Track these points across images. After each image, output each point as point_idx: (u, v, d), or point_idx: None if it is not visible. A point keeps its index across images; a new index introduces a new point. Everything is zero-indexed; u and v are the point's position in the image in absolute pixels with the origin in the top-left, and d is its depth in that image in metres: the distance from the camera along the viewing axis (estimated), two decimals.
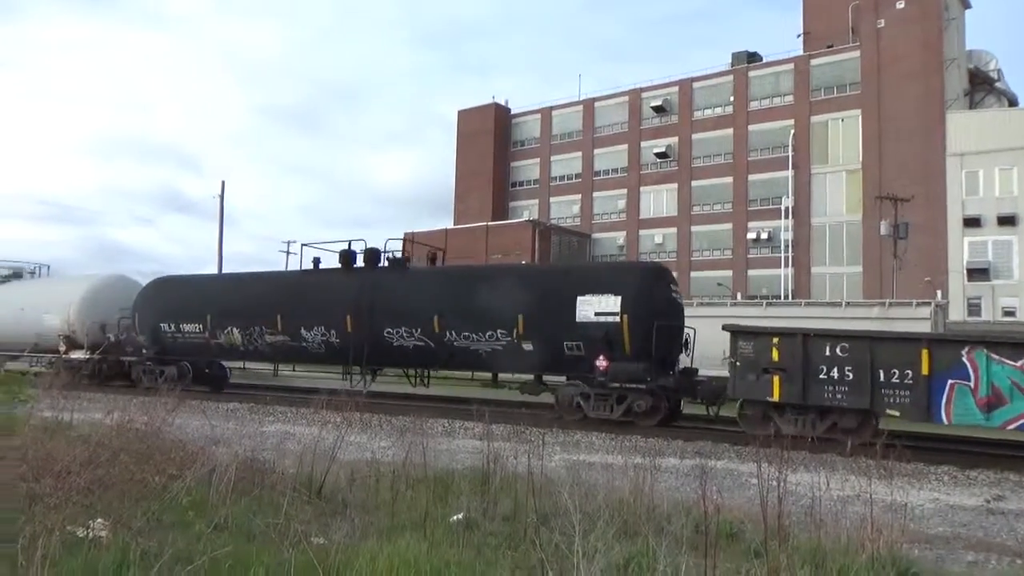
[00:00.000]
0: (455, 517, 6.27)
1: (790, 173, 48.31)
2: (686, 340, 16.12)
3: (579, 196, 57.97)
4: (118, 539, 4.87)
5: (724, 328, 13.98)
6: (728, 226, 51.18)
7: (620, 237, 55.36)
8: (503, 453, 8.16)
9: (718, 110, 52.69)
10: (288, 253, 61.62)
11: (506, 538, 5.79)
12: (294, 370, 22.48)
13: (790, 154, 48.47)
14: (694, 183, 52.95)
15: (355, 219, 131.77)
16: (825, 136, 48.32)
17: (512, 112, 62.52)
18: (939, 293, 33.65)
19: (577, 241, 55.10)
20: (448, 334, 17.01)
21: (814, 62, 49.23)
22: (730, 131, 51.82)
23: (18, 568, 4.19)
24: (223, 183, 45.45)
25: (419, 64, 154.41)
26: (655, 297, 15.65)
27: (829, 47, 48.91)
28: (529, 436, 13.50)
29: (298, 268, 21.16)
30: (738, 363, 13.58)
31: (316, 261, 20.55)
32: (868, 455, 10.64)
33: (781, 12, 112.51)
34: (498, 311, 16.37)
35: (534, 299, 16.30)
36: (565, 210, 58.58)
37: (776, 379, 13.22)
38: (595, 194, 57.24)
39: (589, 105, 58.27)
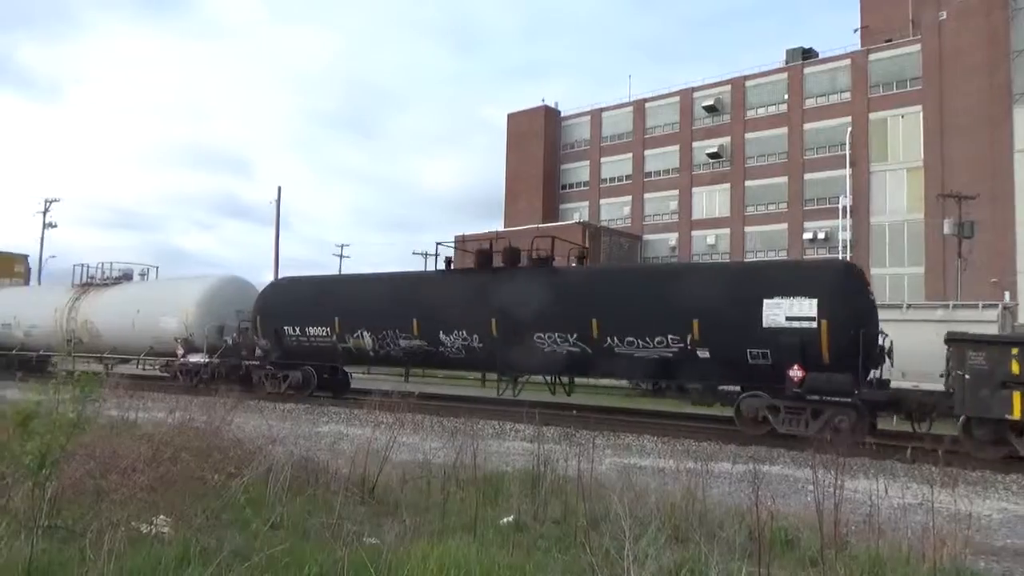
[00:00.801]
0: (505, 519, 6.29)
1: (848, 171, 47.06)
2: (887, 348, 14.47)
3: (630, 197, 57.51)
4: (179, 535, 5.02)
5: (948, 337, 12.78)
6: (783, 226, 50.14)
7: (672, 239, 54.74)
8: (553, 455, 8.15)
9: (772, 108, 51.66)
10: (342, 256, 62.77)
11: (556, 541, 5.78)
12: (423, 375, 21.35)
13: (847, 152, 47.22)
14: (747, 183, 52.02)
15: (404, 222, 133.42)
16: (884, 133, 46.92)
17: (562, 114, 62.42)
18: (1007, 295, 32.33)
19: (628, 243, 54.67)
20: (608, 340, 15.65)
21: (872, 57, 47.89)
22: (785, 130, 50.75)
23: (87, 561, 4.36)
24: (279, 188, 46.66)
25: (464, 68, 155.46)
26: (855, 300, 14.20)
27: (888, 42, 47.53)
28: (579, 439, 13.49)
29: (429, 269, 20.09)
30: (967, 376, 12.23)
31: (448, 261, 19.80)
32: (931, 462, 10.33)
33: (836, 8, 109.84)
34: (669, 315, 15.04)
35: (712, 302, 14.86)
36: (615, 212, 58.19)
37: (1017, 395, 11.89)
38: (646, 195, 56.71)
39: (640, 106, 57.79)
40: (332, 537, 5.25)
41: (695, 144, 54.50)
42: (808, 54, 51.86)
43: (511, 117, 63.74)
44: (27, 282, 31.77)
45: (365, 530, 5.65)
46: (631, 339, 15.41)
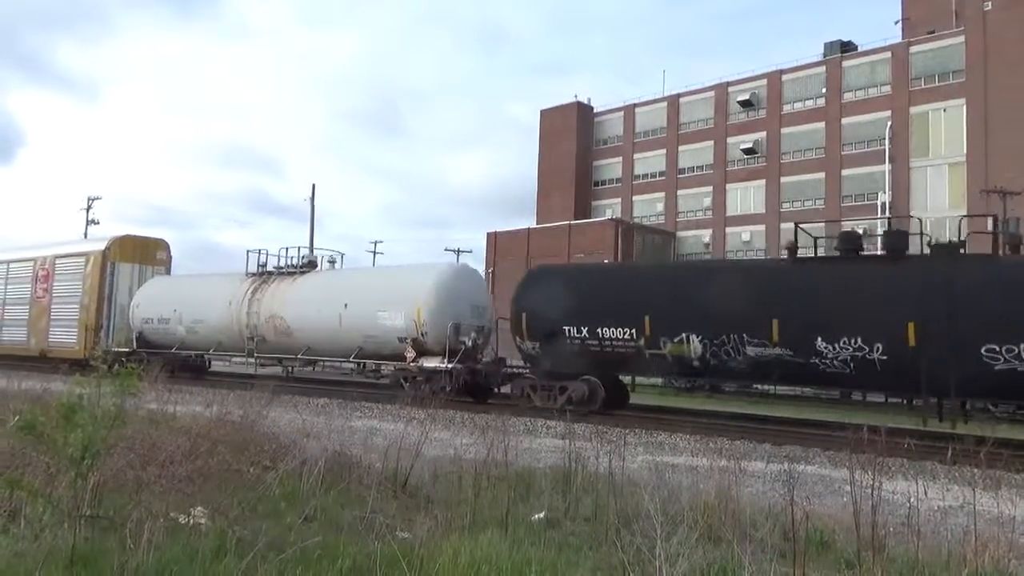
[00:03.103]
0: (537, 516, 6.29)
1: (887, 167, 46.13)
2: None
3: (663, 194, 57.06)
4: (216, 526, 5.11)
5: None
6: (820, 224, 49.36)
7: (706, 235, 54.24)
8: (585, 453, 8.13)
9: (809, 103, 50.84)
10: (375, 253, 63.25)
11: (587, 538, 5.76)
12: (764, 392, 16.91)
13: (887, 147, 46.28)
14: (783, 179, 51.29)
15: (432, 219, 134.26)
16: (926, 127, 45.91)
17: (595, 110, 62.12)
18: None
19: (661, 240, 54.31)
20: None
21: (914, 49, 46.85)
22: (822, 124, 49.94)
23: (127, 551, 4.45)
24: (313, 186, 47.23)
25: (491, 66, 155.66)
26: None
27: (930, 33, 46.46)
28: (611, 436, 13.43)
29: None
30: None
31: (793, 249, 16.06)
32: (972, 463, 10.08)
33: (875, 1, 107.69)
34: None
35: None
36: (648, 208, 57.80)
37: None
38: (680, 192, 56.23)
39: (674, 101, 57.29)
40: (365, 531, 5.30)
41: (730, 140, 53.90)
42: (847, 48, 50.93)
43: (543, 113, 63.62)
44: (169, 270, 28.57)
45: (397, 524, 5.69)
46: None
